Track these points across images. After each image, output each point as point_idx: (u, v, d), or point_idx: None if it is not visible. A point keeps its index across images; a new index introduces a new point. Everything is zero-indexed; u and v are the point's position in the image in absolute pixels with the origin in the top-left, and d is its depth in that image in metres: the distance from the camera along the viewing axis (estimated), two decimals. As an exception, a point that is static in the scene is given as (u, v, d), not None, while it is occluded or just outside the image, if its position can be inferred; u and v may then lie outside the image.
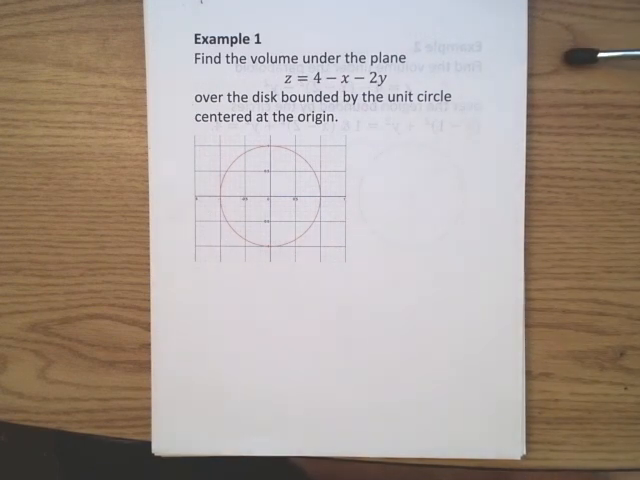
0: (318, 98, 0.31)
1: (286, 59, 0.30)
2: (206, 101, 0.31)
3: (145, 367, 0.32)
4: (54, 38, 0.32)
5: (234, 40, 0.30)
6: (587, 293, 0.32)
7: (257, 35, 0.30)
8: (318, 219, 0.31)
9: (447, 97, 0.30)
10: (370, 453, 0.32)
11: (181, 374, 0.31)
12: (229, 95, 0.31)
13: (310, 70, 0.31)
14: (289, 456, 0.32)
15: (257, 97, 0.31)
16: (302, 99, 0.31)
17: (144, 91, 0.31)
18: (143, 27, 0.31)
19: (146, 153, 0.31)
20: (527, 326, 0.31)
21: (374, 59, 0.30)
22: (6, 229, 0.32)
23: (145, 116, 0.31)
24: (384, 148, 0.31)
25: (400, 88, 0.30)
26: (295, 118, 0.31)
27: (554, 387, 0.32)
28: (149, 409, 0.32)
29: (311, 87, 0.31)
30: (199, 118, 0.31)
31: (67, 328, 0.33)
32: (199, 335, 0.31)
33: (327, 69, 0.30)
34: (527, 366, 0.31)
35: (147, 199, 0.31)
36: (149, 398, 0.32)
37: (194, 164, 0.31)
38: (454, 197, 0.31)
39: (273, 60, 0.31)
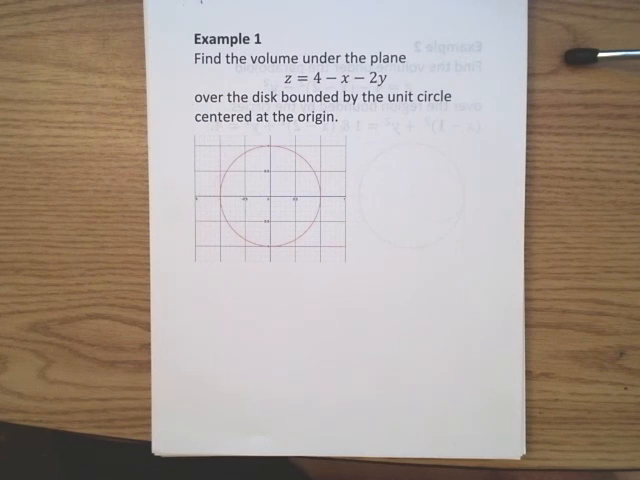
0: (318, 98, 0.31)
1: (286, 59, 0.30)
2: (206, 101, 0.31)
3: (145, 367, 0.32)
4: (54, 38, 0.32)
5: (234, 40, 0.30)
6: (587, 293, 0.32)
7: (257, 35, 0.30)
8: (318, 219, 0.31)
9: (447, 97, 0.30)
10: (370, 453, 0.32)
11: (181, 374, 0.31)
12: (229, 95, 0.31)
13: (310, 70, 0.31)
14: (289, 456, 0.32)
15: (257, 97, 0.31)
16: (302, 99, 0.31)
17: (144, 91, 0.31)
18: (143, 27, 0.31)
19: (146, 153, 0.31)
20: (527, 326, 0.31)
21: (374, 59, 0.30)
22: (6, 229, 0.32)
23: (145, 116, 0.31)
24: (384, 148, 0.31)
25: (400, 88, 0.30)
26: (295, 118, 0.31)
27: (554, 387, 0.32)
28: (149, 409, 0.32)
29: (311, 87, 0.31)
30: (199, 118, 0.31)
31: (67, 328, 0.33)
32: (199, 335, 0.31)
33: (327, 69, 0.30)
34: (527, 366, 0.31)
35: (147, 199, 0.31)
36: (149, 398, 0.32)
37: (194, 164, 0.31)
38: (454, 197, 0.31)
39: (273, 60, 0.31)
